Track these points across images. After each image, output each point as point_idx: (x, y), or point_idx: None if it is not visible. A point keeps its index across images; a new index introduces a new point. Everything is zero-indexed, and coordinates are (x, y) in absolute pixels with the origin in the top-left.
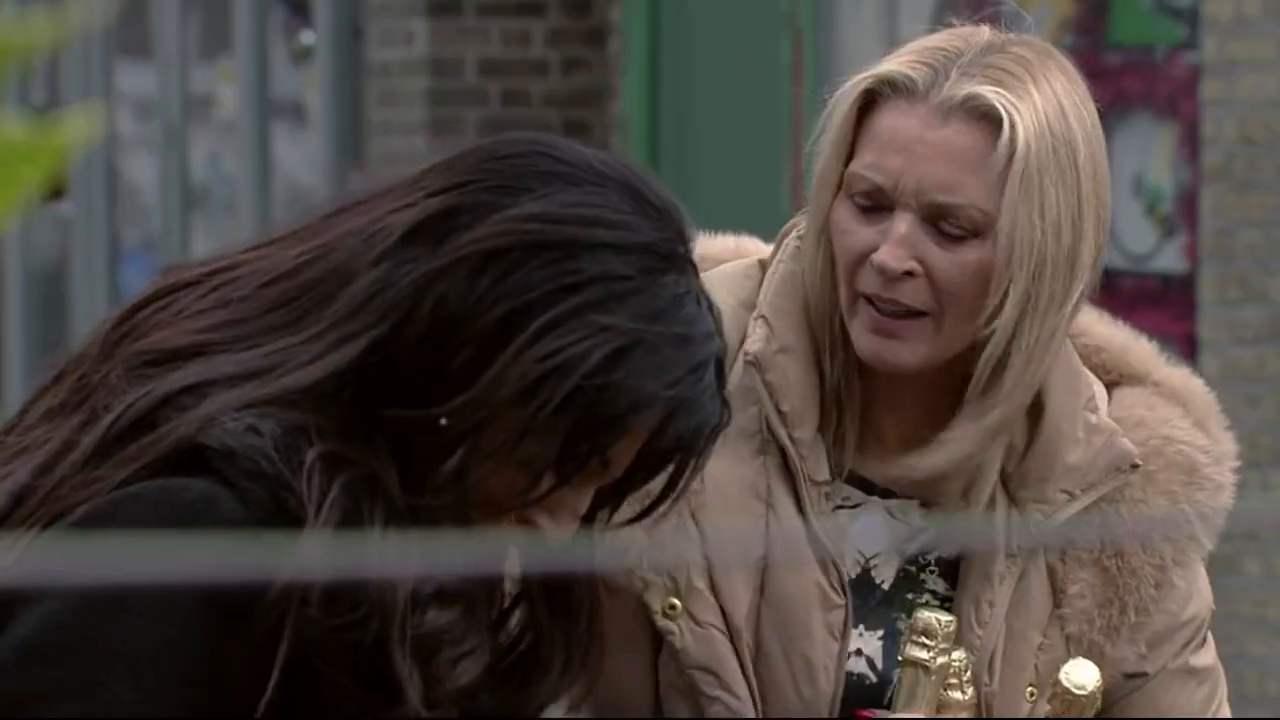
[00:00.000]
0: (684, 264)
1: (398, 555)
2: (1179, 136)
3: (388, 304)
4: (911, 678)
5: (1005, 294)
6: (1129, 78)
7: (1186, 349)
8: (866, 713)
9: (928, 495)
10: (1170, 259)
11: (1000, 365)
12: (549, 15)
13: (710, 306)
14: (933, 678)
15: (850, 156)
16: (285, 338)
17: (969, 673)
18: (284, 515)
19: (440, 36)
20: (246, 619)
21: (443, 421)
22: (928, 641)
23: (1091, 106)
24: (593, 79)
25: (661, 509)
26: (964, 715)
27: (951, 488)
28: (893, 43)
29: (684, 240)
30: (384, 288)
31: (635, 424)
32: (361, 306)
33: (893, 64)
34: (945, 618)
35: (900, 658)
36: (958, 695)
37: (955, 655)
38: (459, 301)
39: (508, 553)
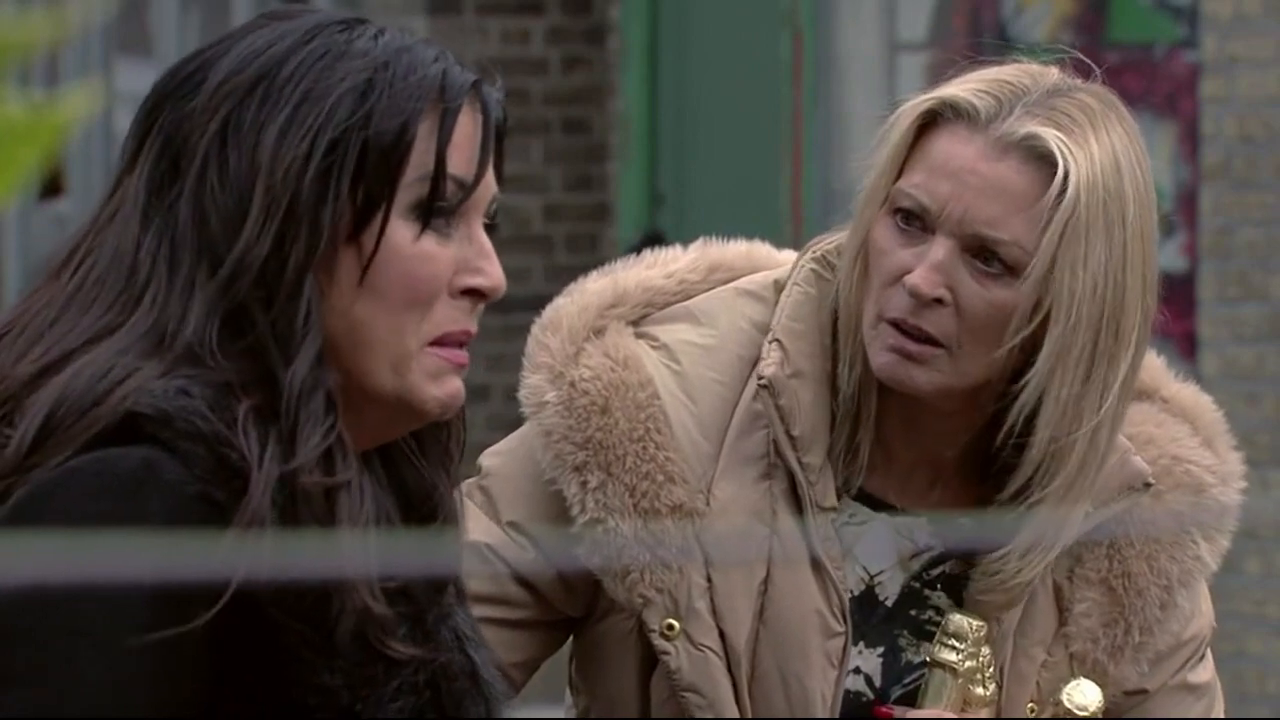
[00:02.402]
0: (363, 22)
1: (341, 502)
2: (1178, 135)
3: (187, 241)
4: (939, 679)
5: (1038, 338)
6: (1128, 76)
7: (1186, 348)
8: (885, 709)
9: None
10: (1170, 257)
11: (1033, 415)
12: (548, 13)
13: (411, 34)
14: (959, 680)
15: (901, 174)
16: (137, 313)
17: (991, 669)
18: (226, 471)
19: (440, 35)
20: (199, 584)
21: (306, 285)
22: (957, 645)
23: (1147, 166)
24: (592, 77)
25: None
26: (983, 711)
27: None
28: (892, 42)
29: (348, 18)
30: (167, 234)
31: (413, 132)
32: (167, 261)
33: (958, 89)
34: (977, 622)
35: (929, 658)
36: (979, 691)
37: (983, 652)
38: (236, 187)
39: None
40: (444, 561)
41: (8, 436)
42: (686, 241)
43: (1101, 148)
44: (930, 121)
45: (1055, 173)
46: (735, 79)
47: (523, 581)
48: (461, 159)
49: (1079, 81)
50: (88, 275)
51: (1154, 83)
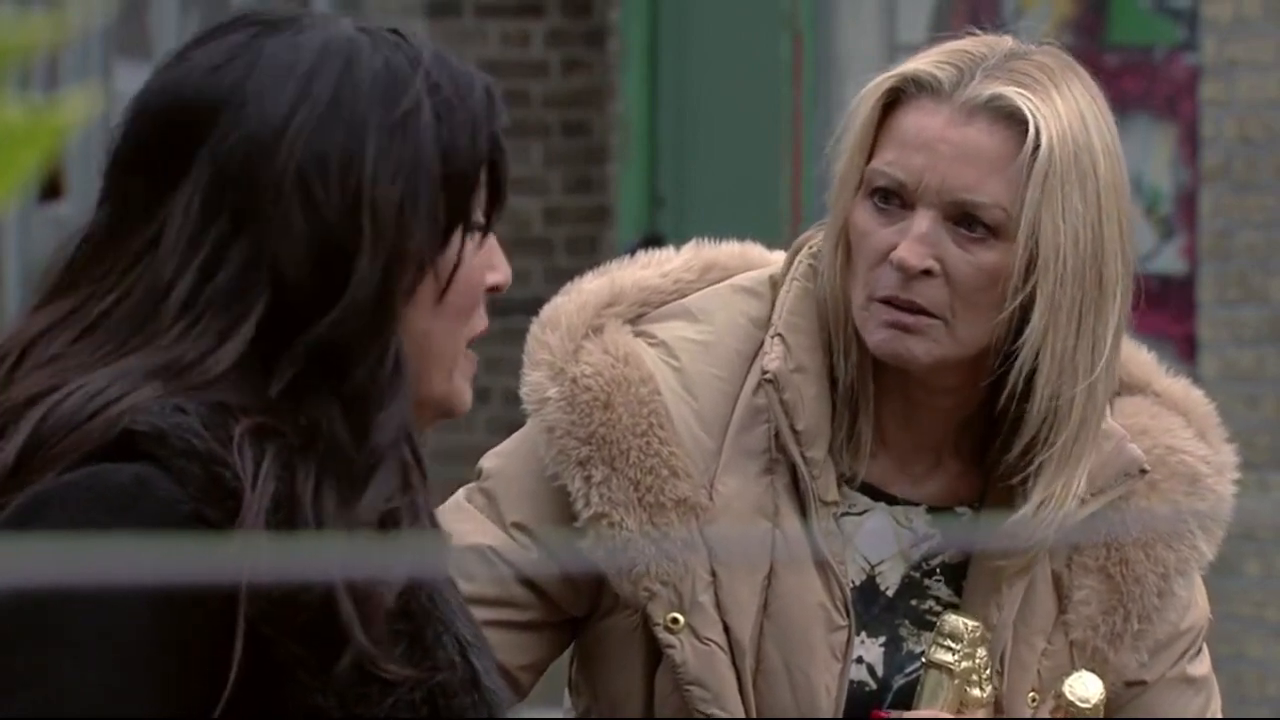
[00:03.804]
0: (378, 35)
1: (334, 518)
2: (1178, 137)
3: (239, 287)
4: (934, 680)
5: (1031, 296)
6: (1128, 78)
7: (1186, 350)
8: (882, 713)
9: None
10: (1169, 260)
11: (1031, 375)
12: (548, 16)
13: (414, 35)
14: (955, 680)
15: (871, 156)
16: (155, 344)
17: (988, 670)
18: (220, 490)
19: (439, 37)
20: (196, 595)
21: (355, 303)
22: (953, 645)
23: (1110, 120)
24: (592, 79)
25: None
26: (980, 712)
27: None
28: (892, 43)
29: (366, 27)
30: (226, 271)
31: (482, 151)
32: (218, 292)
33: (917, 63)
34: (972, 623)
35: (925, 659)
36: (976, 692)
37: (979, 653)
38: (324, 229)
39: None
40: (428, 564)
41: (2, 450)
42: (686, 243)
43: (1065, 103)
44: (894, 100)
45: (1024, 130)
46: (735, 80)
47: (527, 583)
48: None
49: (1033, 46)
50: (111, 309)
51: (1154, 85)
